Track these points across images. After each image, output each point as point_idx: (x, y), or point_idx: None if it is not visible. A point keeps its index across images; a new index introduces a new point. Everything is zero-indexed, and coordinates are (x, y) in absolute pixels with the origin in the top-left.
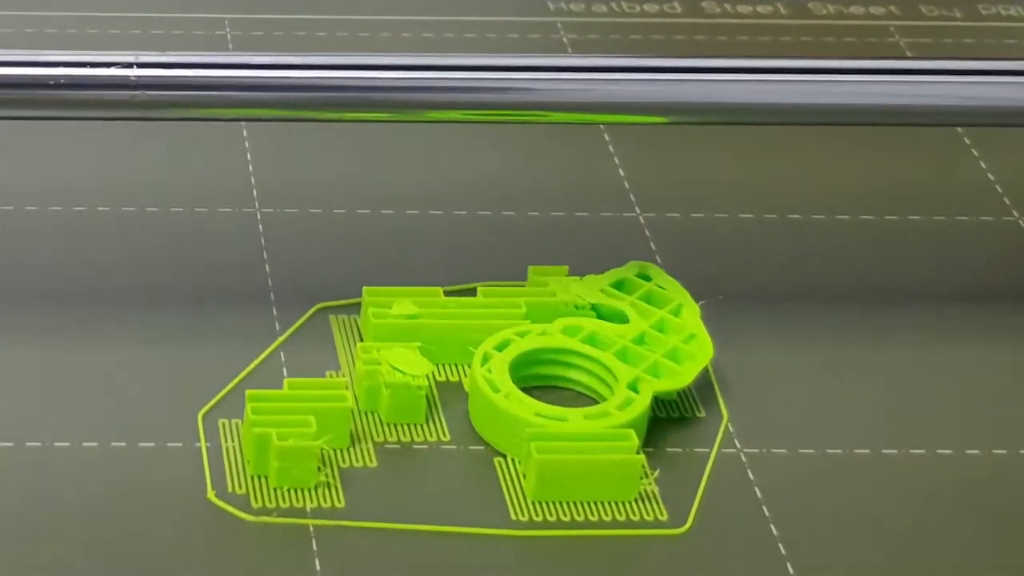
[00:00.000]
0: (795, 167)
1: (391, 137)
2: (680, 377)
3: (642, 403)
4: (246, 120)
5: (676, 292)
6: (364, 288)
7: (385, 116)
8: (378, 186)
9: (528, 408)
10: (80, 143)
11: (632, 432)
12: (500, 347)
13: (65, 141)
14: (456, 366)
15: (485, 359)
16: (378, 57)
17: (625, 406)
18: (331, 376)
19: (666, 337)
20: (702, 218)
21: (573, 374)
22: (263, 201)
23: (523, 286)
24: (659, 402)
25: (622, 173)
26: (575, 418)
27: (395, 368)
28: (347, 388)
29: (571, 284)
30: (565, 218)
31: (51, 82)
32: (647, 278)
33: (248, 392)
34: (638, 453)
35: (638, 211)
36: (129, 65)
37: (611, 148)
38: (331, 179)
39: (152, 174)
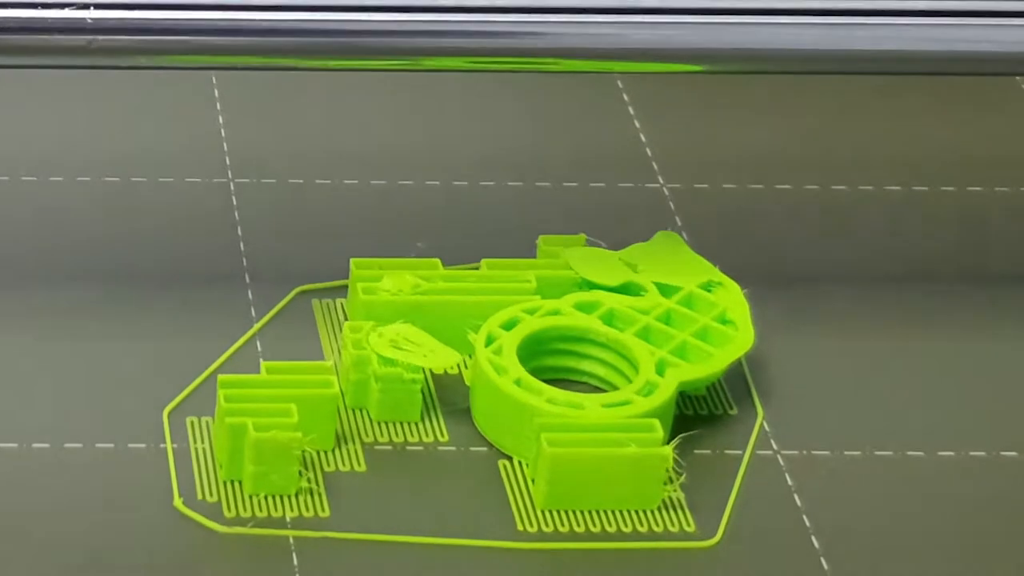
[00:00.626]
0: (836, 129)
1: (382, 98)
2: (711, 363)
3: (667, 389)
4: (215, 68)
5: (704, 269)
6: (352, 260)
7: (374, 64)
8: (367, 154)
9: (539, 394)
10: (27, 102)
11: (656, 422)
12: (507, 326)
13: (9, 100)
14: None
15: (490, 340)
16: None
17: (648, 392)
18: None
19: (695, 315)
20: (734, 189)
21: (587, 365)
22: (237, 170)
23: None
24: (685, 397)
25: (643, 138)
26: (592, 406)
27: (396, 353)
28: (333, 373)
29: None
30: (579, 189)
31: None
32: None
33: (220, 377)
34: (663, 446)
35: (661, 181)
36: (85, 6)
37: (631, 110)
38: (314, 146)
39: (111, 140)
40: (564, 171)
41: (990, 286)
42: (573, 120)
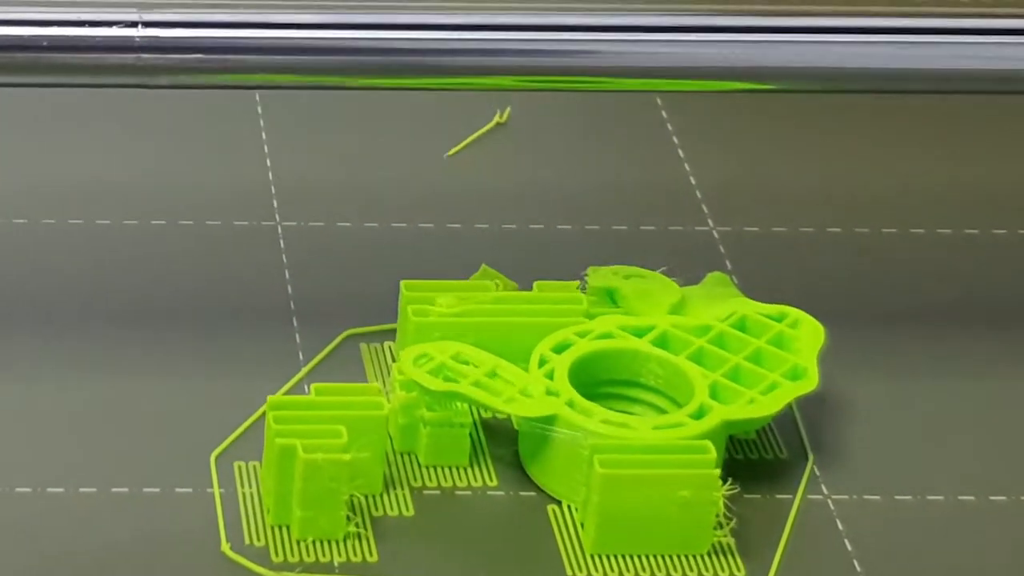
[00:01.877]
0: (888, 171)
1: (429, 136)
2: (765, 403)
3: (720, 413)
4: (263, 87)
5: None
6: (402, 283)
7: (420, 83)
8: (414, 194)
9: (590, 415)
10: (75, 144)
11: (709, 444)
12: (559, 349)
13: (57, 142)
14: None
15: (542, 362)
16: (413, 16)
17: (700, 415)
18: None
19: (763, 371)
20: (784, 233)
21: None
22: (284, 213)
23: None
24: (734, 441)
25: (693, 181)
26: (642, 427)
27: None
28: (383, 394)
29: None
30: (628, 232)
31: (44, 43)
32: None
33: (270, 399)
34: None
35: (711, 224)
36: (133, 24)
37: (680, 153)
38: (362, 187)
39: (156, 180)
40: (612, 213)
41: None
42: (622, 161)
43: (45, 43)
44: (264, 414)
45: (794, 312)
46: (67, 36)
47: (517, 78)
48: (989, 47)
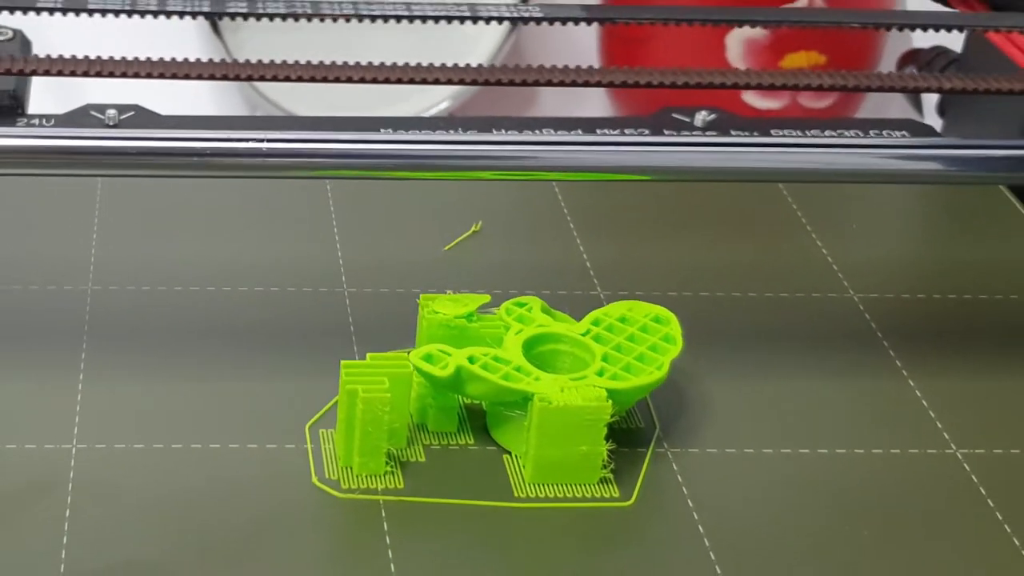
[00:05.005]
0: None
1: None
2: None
3: (609, 372)
4: (332, 178)
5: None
6: (421, 296)
7: (436, 176)
8: (467, 270)
9: (531, 375)
10: (204, 234)
11: (604, 416)
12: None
13: (193, 234)
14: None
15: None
16: (429, 134)
17: (600, 373)
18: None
19: (635, 345)
20: (658, 296)
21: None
22: (351, 280)
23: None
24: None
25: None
26: (563, 379)
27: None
28: (407, 363)
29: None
30: (537, 293)
31: (206, 152)
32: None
33: (343, 362)
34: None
35: (599, 289)
36: (260, 140)
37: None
38: (423, 260)
39: (258, 255)
40: (525, 284)
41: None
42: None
43: (207, 152)
44: (332, 405)
45: (657, 309)
46: (217, 148)
47: (496, 173)
48: (822, 155)
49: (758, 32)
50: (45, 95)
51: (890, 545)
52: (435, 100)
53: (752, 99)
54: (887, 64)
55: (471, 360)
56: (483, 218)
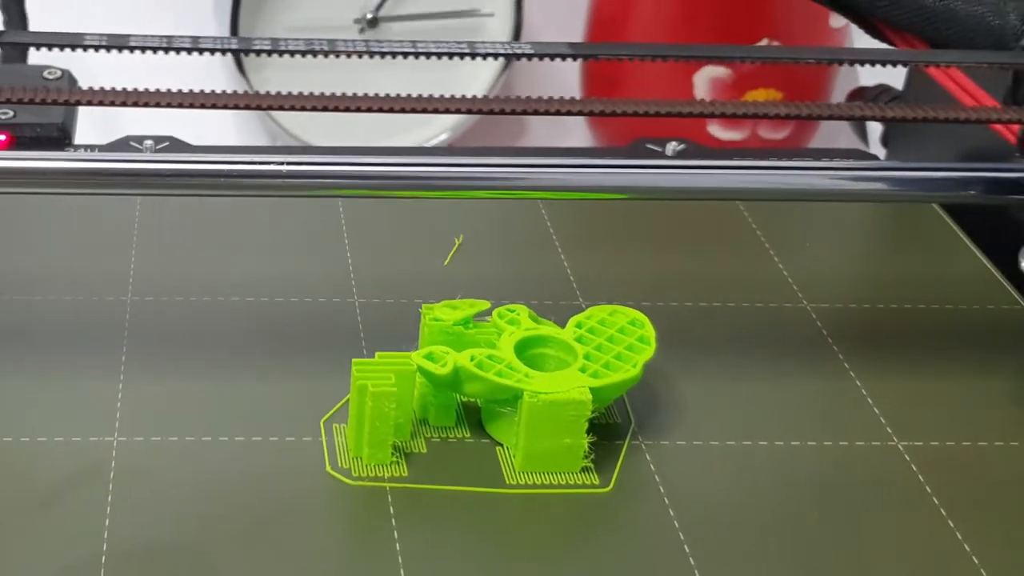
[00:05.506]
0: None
1: (488, 230)
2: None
3: (591, 369)
4: (344, 197)
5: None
6: (423, 305)
7: (431, 195)
8: (480, 280)
9: (520, 372)
10: (229, 249)
11: (585, 411)
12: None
13: (220, 249)
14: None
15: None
16: (431, 157)
17: (584, 371)
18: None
19: (613, 346)
20: (634, 305)
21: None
22: (361, 291)
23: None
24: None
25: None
26: (549, 376)
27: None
28: (412, 361)
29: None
30: (527, 304)
31: (233, 173)
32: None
33: (354, 360)
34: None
35: (581, 300)
36: (280, 163)
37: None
38: (434, 272)
39: (273, 269)
40: (517, 295)
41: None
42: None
43: (233, 173)
44: (344, 403)
45: (634, 313)
46: (238, 170)
47: (489, 192)
48: (778, 176)
49: (722, 71)
50: (89, 129)
51: (839, 526)
52: (436, 131)
53: (717, 131)
54: (837, 100)
55: (469, 359)
56: (476, 236)
